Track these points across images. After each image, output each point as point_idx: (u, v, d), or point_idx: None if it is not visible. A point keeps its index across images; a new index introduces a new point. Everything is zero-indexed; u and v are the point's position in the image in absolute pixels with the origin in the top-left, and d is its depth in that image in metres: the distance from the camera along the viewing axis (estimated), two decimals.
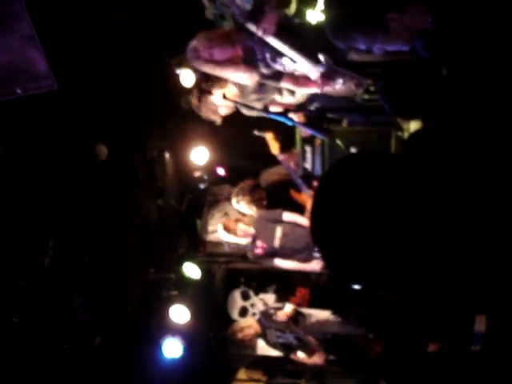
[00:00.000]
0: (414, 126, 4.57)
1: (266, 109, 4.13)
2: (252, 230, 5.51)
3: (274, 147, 5.29)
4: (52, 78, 3.72)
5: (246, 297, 6.48)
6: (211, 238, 6.54)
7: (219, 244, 6.38)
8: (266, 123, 5.00)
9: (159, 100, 5.77)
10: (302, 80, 4.38)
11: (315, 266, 5.41)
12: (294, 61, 4.23)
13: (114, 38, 4.85)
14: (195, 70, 5.36)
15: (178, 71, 5.73)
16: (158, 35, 5.78)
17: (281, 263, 5.52)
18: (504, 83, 1.85)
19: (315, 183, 4.51)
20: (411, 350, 4.42)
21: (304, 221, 5.43)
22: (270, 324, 5.72)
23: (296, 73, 4.34)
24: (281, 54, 4.23)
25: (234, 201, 5.67)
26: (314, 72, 4.20)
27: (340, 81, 4.18)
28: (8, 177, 4.08)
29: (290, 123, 4.07)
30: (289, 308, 5.85)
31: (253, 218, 5.93)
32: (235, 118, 5.28)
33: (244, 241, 5.56)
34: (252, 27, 4.13)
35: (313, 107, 4.68)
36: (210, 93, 4.82)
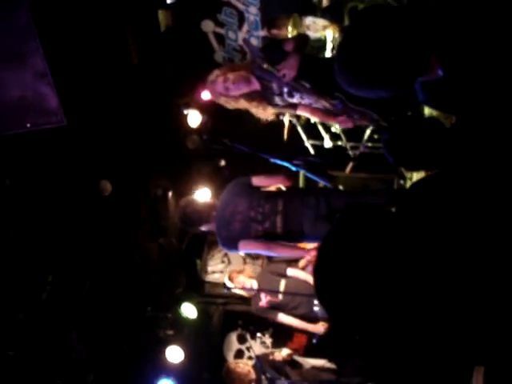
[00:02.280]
0: (416, 175, 4.61)
1: (272, 155, 4.14)
2: (250, 284, 5.47)
3: None
4: (62, 114, 3.76)
5: (242, 340, 6.42)
6: (210, 278, 6.52)
7: (218, 285, 6.36)
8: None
9: (166, 139, 5.83)
10: (318, 112, 4.36)
11: (320, 328, 5.32)
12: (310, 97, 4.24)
13: (124, 77, 4.93)
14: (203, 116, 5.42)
15: (185, 112, 5.82)
16: (167, 76, 5.88)
17: (284, 319, 5.42)
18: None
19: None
20: None
21: (307, 276, 5.37)
22: (266, 369, 5.65)
23: (313, 105, 4.33)
24: (298, 89, 4.23)
25: None
26: (329, 107, 4.22)
27: (356, 116, 4.19)
28: (12, 210, 4.10)
29: (293, 168, 4.09)
30: (285, 352, 5.79)
31: (255, 269, 5.94)
32: (240, 160, 5.33)
33: (246, 293, 5.57)
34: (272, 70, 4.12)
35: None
36: None
